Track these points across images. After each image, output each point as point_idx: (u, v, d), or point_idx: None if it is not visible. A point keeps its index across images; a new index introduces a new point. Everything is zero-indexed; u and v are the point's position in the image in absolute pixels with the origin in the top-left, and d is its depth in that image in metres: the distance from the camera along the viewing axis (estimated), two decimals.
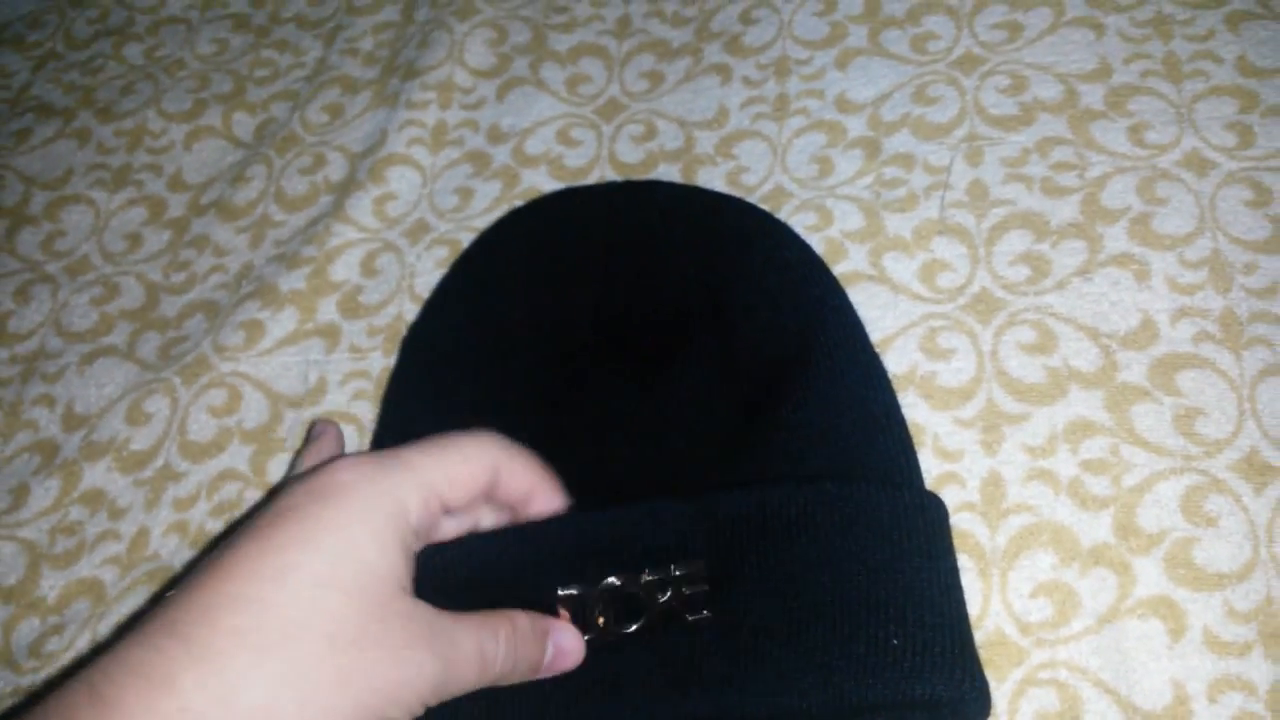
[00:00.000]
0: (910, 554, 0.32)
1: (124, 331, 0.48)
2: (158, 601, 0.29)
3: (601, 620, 0.32)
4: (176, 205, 0.52)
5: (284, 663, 0.26)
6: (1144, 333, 0.38)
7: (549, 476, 0.33)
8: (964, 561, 0.36)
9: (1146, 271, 0.40)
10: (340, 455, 0.31)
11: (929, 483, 0.37)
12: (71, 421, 0.46)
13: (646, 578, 0.32)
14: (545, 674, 0.32)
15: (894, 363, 0.40)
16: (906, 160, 0.45)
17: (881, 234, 0.43)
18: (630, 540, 0.33)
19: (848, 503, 0.33)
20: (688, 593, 0.32)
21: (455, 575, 0.32)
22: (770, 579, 0.32)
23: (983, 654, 0.33)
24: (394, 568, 0.29)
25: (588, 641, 0.32)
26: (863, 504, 0.33)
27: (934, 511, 0.34)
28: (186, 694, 0.25)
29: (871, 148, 0.46)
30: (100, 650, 0.39)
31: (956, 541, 0.35)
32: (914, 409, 0.39)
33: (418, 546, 0.32)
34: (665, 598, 0.32)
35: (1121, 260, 0.40)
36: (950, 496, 0.36)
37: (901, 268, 0.42)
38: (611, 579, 0.32)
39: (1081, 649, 0.34)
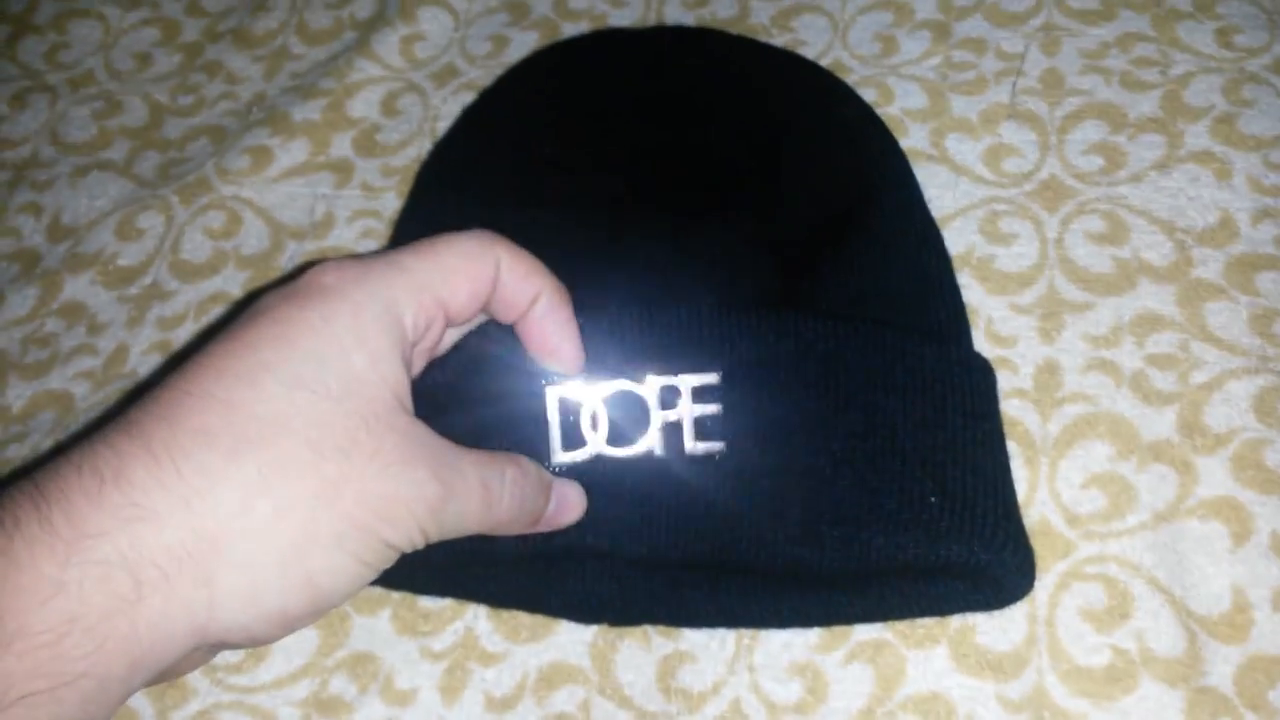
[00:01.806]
0: (954, 411, 0.30)
1: (123, 148, 0.45)
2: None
3: (596, 427, 0.28)
4: (191, 30, 0.48)
5: (258, 467, 0.22)
6: (1223, 230, 0.36)
7: (555, 281, 0.28)
8: (1010, 448, 0.33)
9: (1229, 170, 0.37)
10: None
11: None
12: (57, 232, 0.43)
13: (653, 383, 0.28)
14: (544, 527, 0.28)
15: (951, 243, 0.37)
16: (978, 45, 0.42)
17: (946, 114, 0.40)
18: (639, 340, 0.29)
19: (889, 347, 0.30)
20: (697, 412, 0.28)
21: (435, 378, 0.28)
22: (796, 416, 0.29)
23: None
24: (386, 378, 0.25)
25: (580, 461, 0.28)
26: (906, 351, 0.30)
27: (982, 372, 0.31)
28: (143, 491, 0.22)
29: (940, 30, 0.43)
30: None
31: (1004, 429, 0.33)
32: (968, 290, 0.36)
33: (419, 362, 0.28)
34: (671, 413, 0.28)
35: (1202, 158, 0.37)
36: (1000, 381, 0.33)
37: (965, 149, 0.39)
38: (613, 380, 0.28)
39: (1135, 544, 0.31)
